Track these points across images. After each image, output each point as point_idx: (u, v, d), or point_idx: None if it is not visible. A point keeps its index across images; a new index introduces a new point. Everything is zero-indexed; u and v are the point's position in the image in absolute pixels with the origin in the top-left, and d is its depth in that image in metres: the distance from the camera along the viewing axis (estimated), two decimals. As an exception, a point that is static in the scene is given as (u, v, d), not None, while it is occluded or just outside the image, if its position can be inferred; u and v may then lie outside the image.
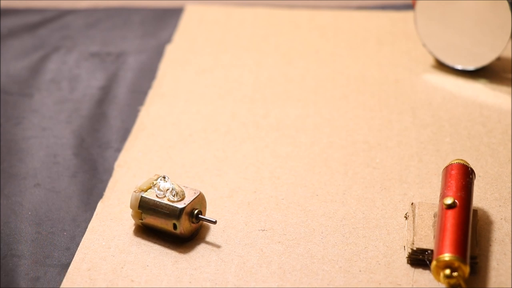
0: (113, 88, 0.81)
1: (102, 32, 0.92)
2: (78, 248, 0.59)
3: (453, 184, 0.58)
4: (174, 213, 0.57)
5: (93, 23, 0.94)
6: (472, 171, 0.60)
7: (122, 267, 0.57)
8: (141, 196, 0.59)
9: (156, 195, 0.58)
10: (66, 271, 0.57)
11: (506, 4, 0.75)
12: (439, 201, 0.58)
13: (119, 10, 0.96)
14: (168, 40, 0.88)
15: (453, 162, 0.61)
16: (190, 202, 0.58)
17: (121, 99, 0.79)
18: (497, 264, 0.56)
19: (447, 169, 0.60)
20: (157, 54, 0.86)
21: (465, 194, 0.58)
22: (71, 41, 0.90)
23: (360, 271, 0.56)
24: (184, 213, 0.57)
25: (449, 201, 0.57)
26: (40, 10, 0.96)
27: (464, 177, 0.59)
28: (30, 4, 0.98)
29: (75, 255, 0.58)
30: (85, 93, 0.81)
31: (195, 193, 0.59)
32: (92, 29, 0.93)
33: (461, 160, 0.61)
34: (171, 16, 0.94)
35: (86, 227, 0.61)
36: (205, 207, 0.60)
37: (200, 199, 0.59)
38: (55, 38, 0.90)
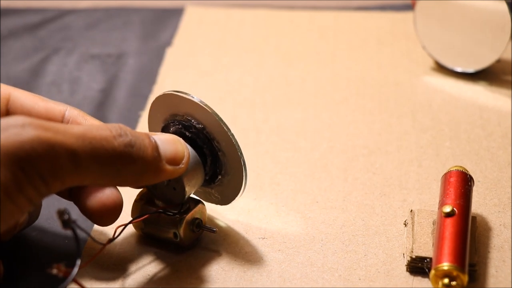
0: (114, 90, 0.81)
1: (102, 32, 0.92)
2: (79, 255, 0.59)
3: (452, 192, 0.59)
4: (174, 223, 0.57)
5: (93, 23, 0.94)
6: (471, 178, 0.60)
7: (123, 276, 0.57)
8: (142, 205, 0.59)
9: (157, 204, 0.59)
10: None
11: (506, 6, 0.75)
12: (438, 209, 0.58)
13: (119, 10, 0.96)
14: (168, 40, 0.88)
15: (451, 169, 0.61)
16: (191, 211, 0.58)
17: (121, 102, 0.79)
18: (496, 271, 0.57)
19: (446, 177, 0.60)
20: (158, 55, 0.86)
21: (464, 201, 0.58)
22: (71, 42, 0.90)
23: (359, 279, 0.56)
24: (184, 223, 0.57)
25: (447, 209, 0.57)
26: (40, 10, 0.96)
27: (463, 184, 0.59)
28: (30, 4, 0.98)
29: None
30: (85, 95, 0.81)
31: (196, 202, 0.59)
32: (92, 30, 0.92)
33: (460, 167, 0.61)
34: (171, 16, 0.94)
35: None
36: (206, 216, 0.60)
37: (200, 208, 0.59)
38: (55, 39, 0.90)
